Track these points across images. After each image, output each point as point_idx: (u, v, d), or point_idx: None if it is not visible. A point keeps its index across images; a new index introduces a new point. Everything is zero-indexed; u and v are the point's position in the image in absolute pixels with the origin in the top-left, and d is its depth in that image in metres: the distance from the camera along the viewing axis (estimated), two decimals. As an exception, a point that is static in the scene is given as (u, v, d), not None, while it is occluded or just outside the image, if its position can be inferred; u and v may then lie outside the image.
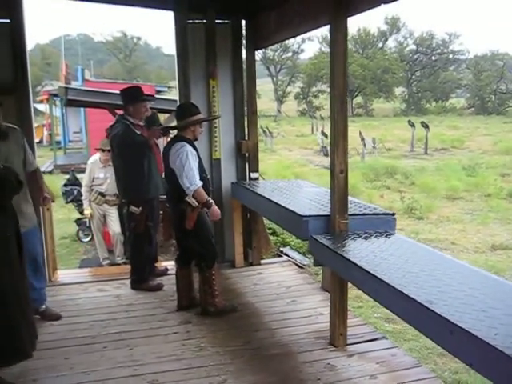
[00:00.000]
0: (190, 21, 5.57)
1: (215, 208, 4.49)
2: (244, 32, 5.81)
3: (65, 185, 8.94)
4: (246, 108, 5.99)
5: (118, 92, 6.27)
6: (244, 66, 5.94)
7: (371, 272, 2.93)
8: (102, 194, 6.81)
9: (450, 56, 61.13)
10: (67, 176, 9.78)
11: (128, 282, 5.46)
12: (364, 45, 57.45)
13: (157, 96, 9.68)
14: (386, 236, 3.80)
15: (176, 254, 4.95)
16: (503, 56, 61.61)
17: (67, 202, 9.24)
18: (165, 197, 5.14)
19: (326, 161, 19.90)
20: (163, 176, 5.17)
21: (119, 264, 6.89)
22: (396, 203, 11.92)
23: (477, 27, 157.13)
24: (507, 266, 7.68)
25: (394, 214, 4.10)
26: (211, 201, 4.45)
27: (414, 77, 61.05)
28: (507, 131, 31.71)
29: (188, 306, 4.77)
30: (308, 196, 4.80)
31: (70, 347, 4.09)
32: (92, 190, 6.85)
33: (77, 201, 9.28)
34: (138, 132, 5.07)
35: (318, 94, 60.48)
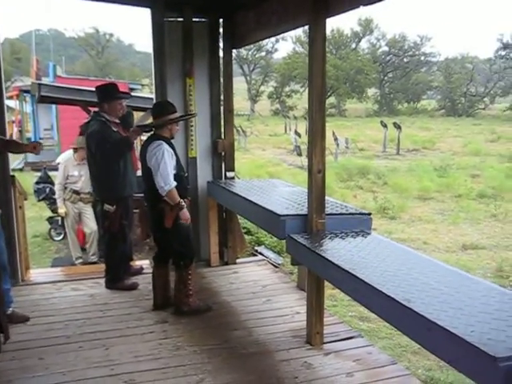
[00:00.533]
0: (167, 19, 5.54)
1: (186, 211, 4.46)
2: (222, 31, 5.80)
3: (37, 182, 8.80)
4: (222, 107, 5.98)
5: (92, 89, 6.20)
6: (221, 65, 5.92)
7: (349, 271, 2.96)
8: (76, 192, 6.72)
9: (422, 58, 61.93)
10: (38, 174, 9.63)
11: (102, 281, 5.40)
12: (337, 45, 57.81)
13: (131, 93, 9.62)
14: (363, 235, 3.84)
15: (154, 253, 4.92)
16: (472, 59, 62.77)
17: (39, 200, 9.10)
18: (141, 195, 5.11)
19: (300, 160, 20.01)
20: (138, 174, 5.14)
21: (93, 263, 6.82)
22: (369, 203, 12.05)
23: (447, 30, 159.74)
24: (477, 265, 7.84)
25: (370, 214, 4.15)
26: (183, 203, 4.41)
27: (386, 78, 61.72)
28: (476, 133, 32.32)
29: (163, 305, 4.75)
30: (284, 195, 4.83)
31: (45, 347, 4.03)
32: (66, 188, 6.76)
33: (49, 199, 9.15)
34: (115, 129, 5.02)
35: (292, 93, 60.70)
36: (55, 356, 3.90)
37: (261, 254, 8.32)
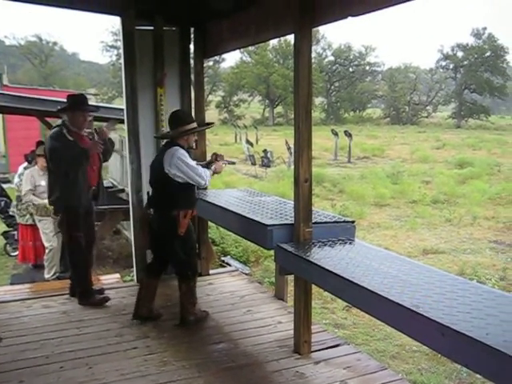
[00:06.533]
0: (137, 27, 5.44)
1: (219, 164, 4.57)
2: (193, 40, 5.74)
3: (-9, 196, 8.50)
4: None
5: (52, 99, 6.02)
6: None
7: (350, 279, 2.97)
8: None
9: (367, 68, 63.59)
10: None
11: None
12: (284, 55, 58.45)
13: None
14: (350, 243, 3.87)
15: (148, 263, 4.77)
16: (415, 69, 64.96)
17: (-6, 214, 8.80)
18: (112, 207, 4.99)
19: (253, 169, 20.08)
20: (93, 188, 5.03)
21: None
22: (327, 211, 12.16)
23: (390, 41, 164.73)
24: (439, 269, 8.05)
25: (353, 222, 4.19)
26: (213, 168, 4.51)
27: (332, 87, 62.92)
28: (422, 140, 33.36)
29: (146, 317, 4.63)
30: (262, 205, 4.81)
31: (23, 369, 3.83)
32: (34, 204, 6.49)
33: (4, 212, 8.84)
34: (71, 139, 4.87)
35: (240, 103, 61.01)
36: (36, 378, 3.72)
37: (228, 264, 8.29)
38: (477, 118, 56.26)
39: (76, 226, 5.03)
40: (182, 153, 4.25)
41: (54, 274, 6.75)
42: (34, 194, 6.52)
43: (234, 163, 5.34)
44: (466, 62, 59.37)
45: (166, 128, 5.61)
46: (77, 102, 5.04)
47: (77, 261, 5.11)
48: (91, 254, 5.46)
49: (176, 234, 4.33)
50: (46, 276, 6.82)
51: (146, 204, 4.67)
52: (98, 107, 5.99)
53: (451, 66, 60.88)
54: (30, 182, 6.47)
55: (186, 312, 4.56)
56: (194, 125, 4.48)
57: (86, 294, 5.15)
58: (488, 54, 58.51)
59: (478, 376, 4.67)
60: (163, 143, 4.66)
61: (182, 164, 4.20)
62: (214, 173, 4.53)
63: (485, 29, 59.75)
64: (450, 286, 2.86)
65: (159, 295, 4.79)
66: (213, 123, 5.22)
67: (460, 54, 60.42)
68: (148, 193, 4.66)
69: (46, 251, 6.88)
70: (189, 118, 4.49)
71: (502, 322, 2.37)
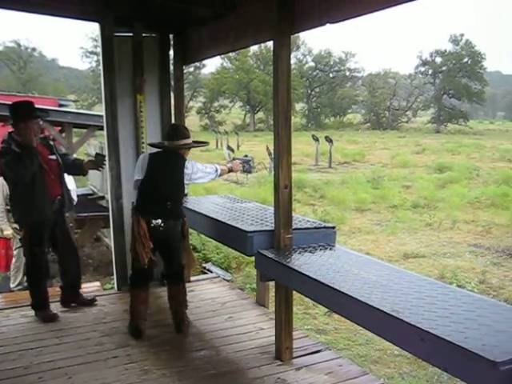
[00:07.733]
0: (116, 34, 5.41)
1: (235, 162, 4.83)
2: (172, 46, 5.72)
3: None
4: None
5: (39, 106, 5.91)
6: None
7: (330, 285, 2.98)
8: None
9: (347, 73, 64.17)
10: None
11: (54, 305, 5.12)
12: (265, 61, 58.61)
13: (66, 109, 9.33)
14: (330, 249, 3.89)
15: (138, 275, 4.52)
16: (394, 75, 65.71)
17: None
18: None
19: (234, 175, 20.04)
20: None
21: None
22: (309, 216, 12.21)
23: (370, 47, 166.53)
24: (420, 273, 8.10)
25: (334, 228, 4.21)
26: (229, 165, 4.76)
27: (313, 93, 63.34)
28: (402, 145, 33.68)
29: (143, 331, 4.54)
30: (244, 211, 4.81)
31: (1, 381, 3.77)
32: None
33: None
34: (18, 150, 4.49)
35: (220, 108, 61.05)
36: (14, 389, 3.67)
37: (209, 270, 8.27)
38: (456, 123, 57.09)
39: (37, 241, 4.82)
40: (197, 164, 4.40)
41: (19, 283, 6.64)
42: (7, 204, 6.40)
43: (248, 161, 5.27)
44: (444, 68, 60.28)
45: (145, 135, 5.62)
46: (29, 110, 4.65)
47: (32, 275, 4.94)
48: (78, 262, 5.33)
49: (183, 236, 4.54)
50: (12, 285, 6.70)
51: (143, 214, 4.37)
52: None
53: (430, 72, 61.73)
54: (2, 192, 6.36)
55: (183, 316, 4.62)
56: (189, 140, 4.49)
57: (38, 307, 4.98)
58: (466, 59, 59.51)
59: (457, 379, 4.72)
60: (165, 151, 4.56)
61: (201, 173, 4.40)
62: (231, 171, 4.78)
63: (462, 35, 60.94)
64: (430, 290, 2.88)
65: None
66: (207, 143, 5.28)
67: (438, 59, 61.35)
68: (138, 202, 4.49)
69: (14, 260, 6.74)
70: (183, 134, 4.47)
71: (480, 326, 2.39)
